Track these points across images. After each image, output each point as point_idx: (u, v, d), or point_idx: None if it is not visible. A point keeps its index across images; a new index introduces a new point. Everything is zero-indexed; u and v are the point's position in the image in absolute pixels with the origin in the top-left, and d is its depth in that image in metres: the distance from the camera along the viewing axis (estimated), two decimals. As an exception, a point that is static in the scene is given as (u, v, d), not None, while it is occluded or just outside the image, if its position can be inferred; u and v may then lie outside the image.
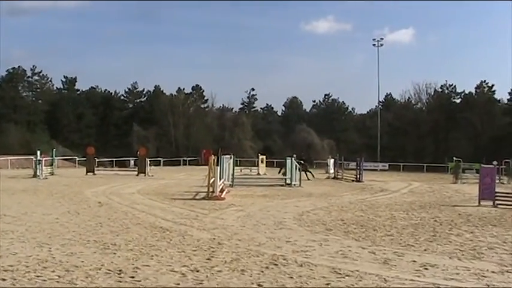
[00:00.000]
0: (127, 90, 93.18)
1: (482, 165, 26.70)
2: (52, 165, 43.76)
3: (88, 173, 43.54)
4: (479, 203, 23.55)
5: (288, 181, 34.40)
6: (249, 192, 28.39)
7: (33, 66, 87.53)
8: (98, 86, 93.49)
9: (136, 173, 43.95)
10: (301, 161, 41.89)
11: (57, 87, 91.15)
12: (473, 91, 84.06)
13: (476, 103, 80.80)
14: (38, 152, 40.03)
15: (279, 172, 41.50)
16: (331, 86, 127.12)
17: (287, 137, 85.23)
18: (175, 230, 14.68)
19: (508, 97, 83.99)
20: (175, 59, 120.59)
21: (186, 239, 13.28)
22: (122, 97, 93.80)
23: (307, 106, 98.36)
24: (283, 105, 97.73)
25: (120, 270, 9.69)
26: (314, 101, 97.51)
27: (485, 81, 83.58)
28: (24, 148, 66.03)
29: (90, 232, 13.98)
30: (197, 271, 9.81)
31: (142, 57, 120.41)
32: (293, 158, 35.89)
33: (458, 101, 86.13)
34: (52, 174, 41.43)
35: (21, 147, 68.92)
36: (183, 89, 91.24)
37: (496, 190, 24.19)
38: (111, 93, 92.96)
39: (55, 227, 14.87)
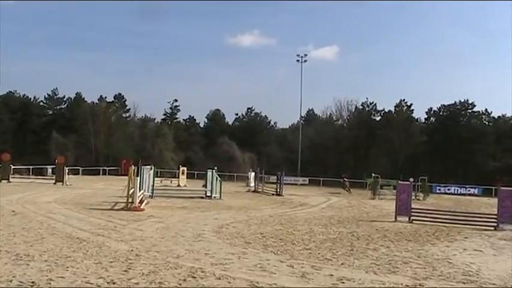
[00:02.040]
0: (47, 96, 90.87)
1: (400, 182, 27.44)
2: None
3: (2, 181, 42.24)
4: (395, 218, 24.16)
5: (208, 193, 34.38)
6: (169, 203, 28.20)
7: None
8: (16, 91, 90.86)
9: (53, 181, 42.97)
10: (344, 179, 49.55)
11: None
12: (393, 109, 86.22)
13: (395, 121, 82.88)
14: None
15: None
16: (254, 100, 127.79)
17: (209, 149, 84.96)
18: (92, 240, 14.41)
19: (425, 116, 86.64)
20: (98, 66, 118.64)
21: (103, 250, 13.06)
22: (42, 103, 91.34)
23: (229, 119, 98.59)
24: (206, 117, 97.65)
25: (32, 282, 9.43)
26: (237, 114, 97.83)
27: (404, 100, 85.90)
28: None
29: (2, 242, 13.55)
30: (114, 283, 9.67)
31: (64, 62, 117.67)
32: (214, 171, 35.92)
33: (378, 118, 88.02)
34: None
35: None
36: (105, 97, 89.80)
37: (412, 206, 24.90)
38: (30, 98, 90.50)
39: (-35, 236, 14.35)
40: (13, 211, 21.05)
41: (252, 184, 47.82)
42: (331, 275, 11.24)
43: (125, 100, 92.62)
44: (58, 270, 10.57)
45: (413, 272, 12.15)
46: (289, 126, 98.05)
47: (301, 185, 65.91)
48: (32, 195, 29.61)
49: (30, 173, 59.14)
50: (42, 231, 15.80)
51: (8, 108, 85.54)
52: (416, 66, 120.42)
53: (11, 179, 43.25)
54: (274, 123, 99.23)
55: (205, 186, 36.49)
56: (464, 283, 11.29)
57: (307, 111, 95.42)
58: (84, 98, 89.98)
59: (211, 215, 23.46)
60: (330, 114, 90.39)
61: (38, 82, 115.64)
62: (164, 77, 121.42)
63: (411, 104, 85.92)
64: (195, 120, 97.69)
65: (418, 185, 45.40)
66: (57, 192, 33.13)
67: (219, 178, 35.85)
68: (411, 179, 26.24)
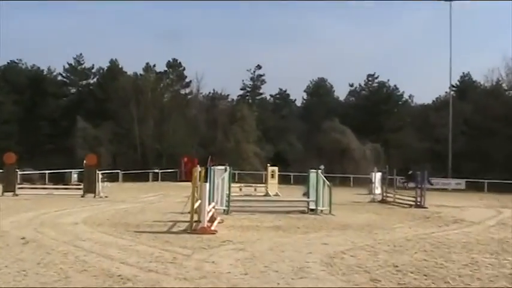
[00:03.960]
0: (67, 66, 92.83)
1: None
2: None
3: (6, 193, 43.34)
4: None
5: (312, 205, 34.34)
6: (253, 222, 28.39)
7: None
8: (21, 60, 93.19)
9: (81, 192, 43.81)
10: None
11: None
12: None
13: None
14: None
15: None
16: (377, 63, 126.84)
17: (310, 138, 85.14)
18: (141, 280, 14.59)
19: None
20: (139, 19, 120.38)
21: (157, 294, 13.20)
22: (60, 77, 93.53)
23: (340, 92, 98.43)
24: (305, 90, 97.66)
25: None
26: (351, 85, 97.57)
27: None
28: None
29: (9, 285, 13.87)
30: None
31: (89, 17, 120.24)
32: (320, 172, 35.81)
33: None
34: None
35: None
36: (154, 65, 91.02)
37: None
38: (43, 70, 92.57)
39: (-47, 276, 14.76)
40: (23, 238, 21.51)
41: (378, 190, 47.56)
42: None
43: (183, 69, 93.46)
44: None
45: None
46: (433, 101, 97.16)
47: (453, 190, 65.07)
48: (50, 214, 30.31)
49: (46, 181, 60.62)
50: (66, 268, 16.08)
51: (10, 86, 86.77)
52: None
53: (18, 191, 44.35)
54: (410, 97, 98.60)
55: (306, 194, 36.49)
56: None
57: (461, 78, 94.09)
58: (122, 68, 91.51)
59: (317, 238, 23.43)
60: (498, 80, 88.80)
61: (53, 46, 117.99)
62: (241, 33, 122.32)
63: None
64: (288, 95, 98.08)
65: None
66: (87, 209, 33.85)
67: (327, 182, 35.73)
68: None
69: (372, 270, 16.70)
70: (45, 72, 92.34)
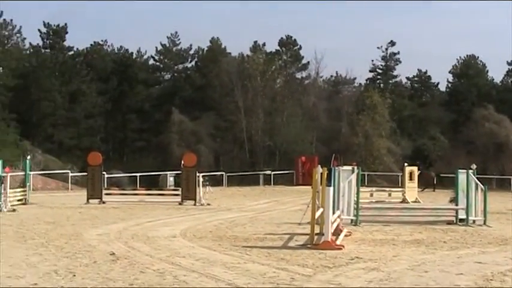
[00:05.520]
0: (160, 48, 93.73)
1: None
2: (25, 186, 44.34)
3: (91, 200, 43.99)
4: None
5: (462, 215, 34.01)
6: (388, 234, 28.34)
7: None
8: (106, 41, 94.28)
9: (178, 199, 44.20)
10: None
11: (31, 44, 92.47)
12: None
13: None
14: (-1, 163, 40.64)
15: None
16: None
17: (458, 131, 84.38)
18: (253, 305, 14.66)
19: None
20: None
21: (273, 323, 13.26)
22: (152, 61, 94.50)
23: (496, 73, 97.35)
24: (451, 71, 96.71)
25: None
26: (510, 63, 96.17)
27: None
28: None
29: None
30: None
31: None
32: (471, 172, 35.40)
33: None
34: (25, 204, 42.14)
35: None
36: (263, 44, 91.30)
37: None
38: (131, 53, 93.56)
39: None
40: (112, 253, 21.80)
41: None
42: None
43: (299, 48, 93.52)
44: None
45: None
46: None
47: None
48: (143, 225, 30.73)
49: (137, 185, 61.32)
50: (163, 290, 16.25)
51: (94, 72, 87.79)
52: None
53: (104, 197, 45.02)
54: None
55: (454, 201, 36.15)
56: None
57: None
58: (225, 49, 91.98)
59: (469, 255, 23.17)
60: None
61: (143, 25, 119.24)
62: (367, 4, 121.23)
63: None
64: (429, 78, 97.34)
65: None
66: (186, 219, 34.19)
67: (481, 185, 35.28)
68: None
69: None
70: (134, 56, 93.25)
